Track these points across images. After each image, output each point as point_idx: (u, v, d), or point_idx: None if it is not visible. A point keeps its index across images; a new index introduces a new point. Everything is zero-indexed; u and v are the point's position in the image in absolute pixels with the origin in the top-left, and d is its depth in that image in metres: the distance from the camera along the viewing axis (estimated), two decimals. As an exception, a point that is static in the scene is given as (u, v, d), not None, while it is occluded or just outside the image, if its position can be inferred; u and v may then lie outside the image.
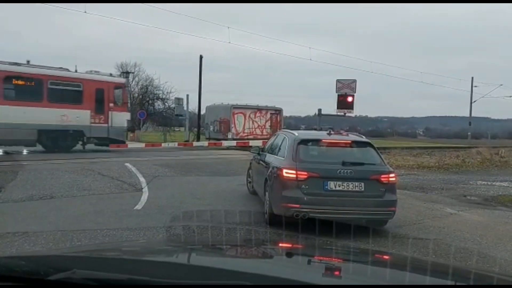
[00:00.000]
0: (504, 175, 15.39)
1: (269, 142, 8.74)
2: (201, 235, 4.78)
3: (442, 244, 5.98)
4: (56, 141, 18.11)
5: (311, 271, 1.77)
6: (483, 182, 13.15)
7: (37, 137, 17.53)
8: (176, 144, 21.82)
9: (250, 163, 9.72)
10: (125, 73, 42.16)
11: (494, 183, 13.01)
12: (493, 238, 6.44)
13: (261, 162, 8.13)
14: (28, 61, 17.69)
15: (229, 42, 25.68)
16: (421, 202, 9.42)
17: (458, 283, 1.70)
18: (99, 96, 18.27)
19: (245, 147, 22.37)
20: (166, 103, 43.32)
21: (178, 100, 32.21)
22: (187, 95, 31.19)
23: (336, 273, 1.77)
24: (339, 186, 6.10)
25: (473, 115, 51.86)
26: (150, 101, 44.69)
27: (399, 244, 5.93)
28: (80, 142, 18.80)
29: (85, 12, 18.74)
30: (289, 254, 2.06)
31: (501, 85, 47.99)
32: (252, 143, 21.80)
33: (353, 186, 6.11)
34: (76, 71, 18.64)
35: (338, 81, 18.68)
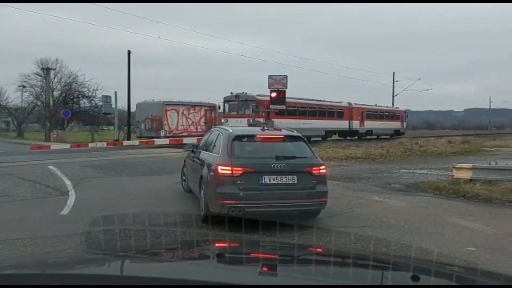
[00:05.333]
0: (423, 163, 16.60)
1: (204, 139, 8.65)
2: (125, 239, 4.62)
3: (366, 233, 6.20)
4: None
5: (238, 271, 1.76)
6: (406, 171, 14.08)
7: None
8: (104, 144, 20.84)
9: (184, 161, 9.55)
10: (45, 70, 39.50)
11: (415, 171, 13.99)
12: (416, 222, 6.92)
13: (195, 159, 8.02)
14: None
15: (159, 37, 25.42)
16: (350, 191, 9.88)
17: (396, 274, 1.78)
18: None
19: (179, 145, 21.97)
20: (92, 101, 41.32)
21: (106, 98, 30.86)
22: (115, 92, 30.06)
23: (264, 269, 1.78)
24: (274, 180, 6.19)
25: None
26: (74, 99, 42.27)
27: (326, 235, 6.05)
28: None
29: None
30: (220, 255, 2.03)
31: (419, 79, 52.07)
32: (186, 140, 21.47)
33: (286, 179, 6.23)
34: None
35: (270, 77, 18.90)
